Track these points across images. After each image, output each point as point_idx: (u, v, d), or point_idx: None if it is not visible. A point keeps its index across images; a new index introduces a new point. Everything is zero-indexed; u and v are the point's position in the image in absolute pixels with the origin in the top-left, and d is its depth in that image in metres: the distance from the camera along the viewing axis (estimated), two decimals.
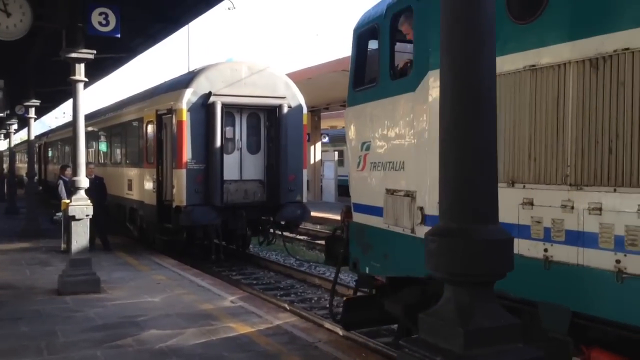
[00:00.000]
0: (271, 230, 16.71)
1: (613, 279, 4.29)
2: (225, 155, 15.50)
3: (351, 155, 8.16)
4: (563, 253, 4.71)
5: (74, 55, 10.66)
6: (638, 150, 4.14)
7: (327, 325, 9.18)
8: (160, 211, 16.28)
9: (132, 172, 18.99)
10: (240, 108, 16.11)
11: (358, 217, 7.94)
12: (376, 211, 7.33)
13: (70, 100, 11.28)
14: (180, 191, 15.26)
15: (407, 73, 6.67)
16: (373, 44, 7.71)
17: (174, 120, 15.53)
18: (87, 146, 22.71)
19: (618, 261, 4.27)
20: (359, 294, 8.80)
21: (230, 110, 15.90)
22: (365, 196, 7.70)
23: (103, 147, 23.59)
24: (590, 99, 4.48)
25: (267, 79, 16.29)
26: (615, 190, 4.31)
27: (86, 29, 10.50)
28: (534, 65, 4.95)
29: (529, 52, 5.00)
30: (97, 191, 14.94)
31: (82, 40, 10.65)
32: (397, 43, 7.21)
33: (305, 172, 16.81)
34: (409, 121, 6.58)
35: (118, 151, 21.46)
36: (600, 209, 4.42)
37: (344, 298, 8.54)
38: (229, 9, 29.36)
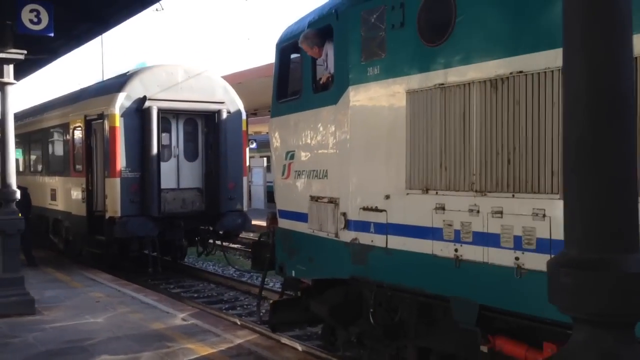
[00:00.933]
0: (210, 241, 16.24)
1: (513, 274, 4.87)
2: (161, 163, 14.94)
3: (276, 164, 8.51)
4: (471, 252, 5.26)
5: (2, 55, 10.06)
6: (532, 160, 4.74)
7: (285, 340, 9.04)
8: (91, 222, 15.52)
9: (56, 182, 18.05)
10: (177, 113, 15.62)
11: (283, 223, 8.29)
12: (301, 217, 7.71)
13: None
14: (114, 201, 14.57)
15: (329, 87, 7.10)
16: (295, 58, 8.10)
17: (105, 126, 14.83)
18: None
19: (517, 258, 4.85)
20: (284, 297, 9.15)
21: (166, 116, 15.36)
22: (290, 203, 8.07)
23: (20, 155, 22.33)
24: (491, 115, 5.06)
25: (205, 83, 15.85)
26: (513, 196, 4.89)
27: (16, 27, 9.78)
28: (442, 84, 5.49)
29: (439, 72, 5.54)
30: (21, 203, 14.45)
31: (10, 40, 10.03)
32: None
33: (245, 179, 16.43)
34: (331, 132, 7.01)
35: (39, 159, 20.32)
36: (501, 213, 5.00)
37: (271, 301, 8.85)
38: (157, 10, 28.34)
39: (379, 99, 6.26)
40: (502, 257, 4.99)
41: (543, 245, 4.66)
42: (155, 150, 14.62)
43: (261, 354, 7.94)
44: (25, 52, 10.20)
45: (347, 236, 6.70)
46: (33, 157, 21.02)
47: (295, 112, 7.82)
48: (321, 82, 7.38)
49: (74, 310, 10.40)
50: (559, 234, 4.56)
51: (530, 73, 4.72)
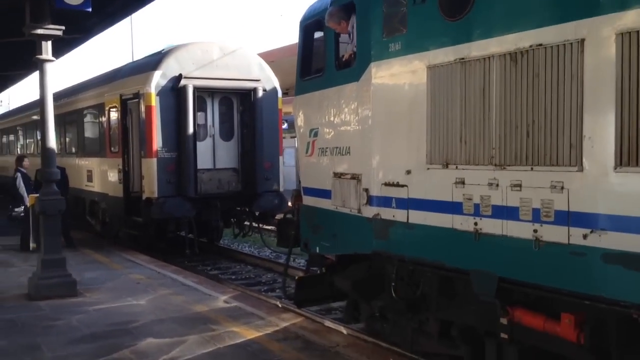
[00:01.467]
0: (246, 223, 16.07)
1: (531, 247, 4.91)
2: (197, 143, 14.66)
3: (300, 142, 8.62)
4: (490, 225, 5.31)
5: (40, 31, 9.77)
6: (550, 133, 4.75)
7: (328, 323, 8.66)
8: (128, 203, 15.37)
9: (93, 163, 17.86)
10: (213, 92, 15.22)
11: (308, 200, 8.42)
12: (325, 194, 7.82)
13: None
14: (150, 182, 14.30)
15: (351, 64, 7.15)
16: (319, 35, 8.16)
17: (141, 106, 14.54)
18: (37, 135, 21.03)
19: (535, 230, 4.88)
20: (310, 273, 9.31)
21: (202, 95, 14.97)
22: (314, 180, 8.18)
23: (56, 135, 22.67)
24: (511, 89, 5.06)
25: (241, 60, 15.39)
26: (532, 169, 4.91)
27: (53, 2, 9.53)
28: (463, 59, 5.50)
29: (459, 47, 5.55)
30: (60, 183, 14.35)
31: (48, 15, 9.75)
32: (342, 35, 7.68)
33: (281, 159, 16.15)
34: (353, 109, 7.07)
35: (75, 140, 20.05)
36: (520, 186, 5.03)
37: (296, 277, 9.02)
38: None
39: (400, 75, 6.30)
40: (520, 229, 5.02)
41: (561, 218, 4.69)
42: (191, 129, 14.36)
43: (309, 338, 7.72)
44: (63, 27, 10.00)
45: (369, 212, 6.79)
46: (68, 138, 20.95)
47: (319, 90, 7.89)
48: (344, 59, 7.43)
49: (115, 292, 10.27)
50: (577, 206, 4.59)
51: (550, 46, 4.71)
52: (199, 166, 14.66)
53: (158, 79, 14.42)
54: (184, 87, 14.36)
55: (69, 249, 14.19)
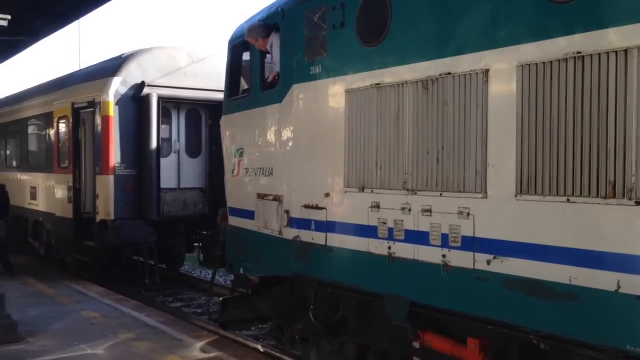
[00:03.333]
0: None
1: (440, 271, 4.97)
2: (160, 159, 13.06)
3: (226, 162, 8.53)
4: (402, 250, 5.35)
5: None
6: (457, 160, 4.83)
7: None
8: (78, 225, 13.64)
9: (37, 178, 15.91)
10: (179, 102, 13.58)
11: (233, 221, 8.32)
12: (249, 214, 7.74)
13: None
14: (106, 202, 12.64)
15: (275, 85, 7.14)
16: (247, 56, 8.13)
17: (97, 116, 12.89)
18: None
19: (444, 255, 4.95)
20: (235, 294, 9.17)
21: (166, 105, 13.35)
22: (240, 200, 8.09)
23: None
24: (422, 115, 5.15)
25: (211, 68, 13.46)
26: (441, 195, 4.99)
27: None
28: (378, 84, 5.57)
29: (375, 72, 5.62)
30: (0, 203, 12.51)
31: None
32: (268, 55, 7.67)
33: None
34: (276, 130, 7.05)
35: (17, 152, 18.01)
36: (430, 211, 5.09)
37: (221, 298, 8.87)
38: None
39: (320, 97, 6.32)
40: (430, 254, 5.08)
41: (467, 243, 4.76)
42: (154, 144, 12.77)
43: None
44: (8, 17, 9.02)
45: (289, 233, 6.75)
46: (9, 150, 18.83)
47: (245, 110, 7.85)
48: (268, 80, 7.42)
49: (65, 337, 8.41)
50: (481, 232, 4.68)
51: (457, 75, 4.82)
52: (162, 185, 13.08)
53: (117, 86, 12.82)
54: (147, 96, 12.81)
55: (7, 276, 12.75)
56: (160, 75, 13.20)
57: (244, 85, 8.40)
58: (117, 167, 12.75)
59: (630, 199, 3.71)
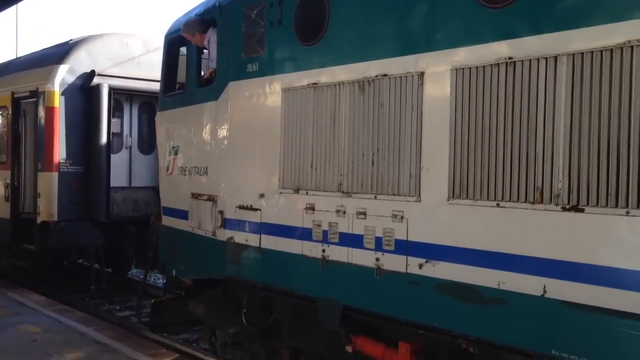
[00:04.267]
0: None
1: (373, 275, 4.91)
2: (111, 156, 12.11)
3: (161, 159, 8.27)
4: (337, 253, 5.27)
5: None
6: (392, 163, 4.79)
7: None
8: (16, 227, 12.50)
9: None
10: (131, 94, 12.50)
11: (167, 221, 8.06)
12: (183, 215, 7.51)
13: None
14: (48, 201, 11.53)
15: (211, 82, 6.95)
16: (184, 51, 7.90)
17: (40, 107, 11.79)
18: None
19: (377, 259, 4.90)
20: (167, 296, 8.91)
21: (118, 97, 12.31)
22: (174, 200, 7.85)
23: None
24: (358, 117, 5.08)
25: None
26: (376, 198, 4.93)
27: None
28: (315, 84, 5.47)
29: (312, 72, 5.52)
30: None
31: None
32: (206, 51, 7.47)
33: None
34: (212, 128, 6.86)
35: None
36: (365, 214, 5.03)
37: (152, 301, 8.59)
38: None
39: (257, 96, 6.18)
40: (364, 257, 5.02)
41: (401, 247, 4.73)
42: (104, 139, 11.75)
43: None
44: None
45: (223, 235, 6.57)
46: None
47: (180, 107, 7.62)
48: (205, 76, 7.22)
49: (1, 356, 7.54)
50: (415, 235, 4.65)
51: (394, 76, 4.78)
52: (112, 184, 12.03)
53: (64, 74, 11.70)
54: (97, 87, 11.74)
55: None
56: (112, 64, 12.16)
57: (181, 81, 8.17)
58: (62, 163, 11.67)
59: (557, 204, 3.74)
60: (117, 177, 12.31)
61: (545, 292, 3.79)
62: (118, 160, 12.49)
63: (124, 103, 12.68)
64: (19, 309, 9.90)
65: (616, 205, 3.50)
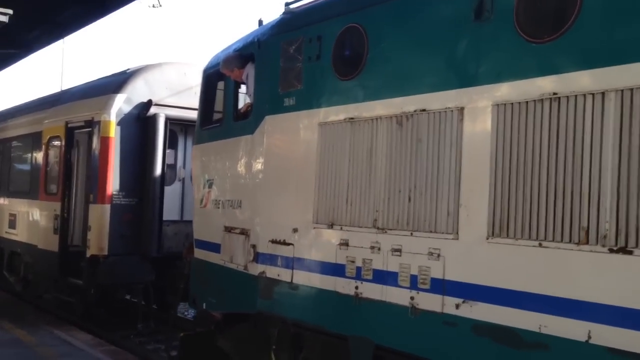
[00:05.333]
0: None
1: (407, 314, 4.77)
2: (164, 188, 11.61)
3: (196, 192, 8.30)
4: (370, 290, 5.15)
5: None
6: (429, 199, 4.69)
7: None
8: (64, 260, 11.97)
9: (19, 204, 14.25)
10: (186, 125, 11.97)
11: (199, 254, 8.04)
12: (215, 248, 7.49)
13: None
14: (100, 234, 11.04)
15: (248, 116, 7.00)
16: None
17: (95, 137, 11.41)
18: None
19: (412, 298, 4.76)
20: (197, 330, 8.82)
21: (173, 128, 11.87)
22: (206, 233, 7.84)
23: None
24: (395, 152, 5.02)
25: None
26: (412, 234, 4.82)
27: None
28: (352, 118, 5.45)
29: (349, 106, 5.50)
30: None
31: None
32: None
33: None
34: (247, 162, 6.87)
35: None
36: (400, 251, 4.92)
37: (181, 334, 8.51)
38: (153, 6, 23.00)
39: (293, 130, 6.18)
40: (398, 295, 4.89)
41: (437, 285, 4.59)
42: (159, 170, 11.26)
43: None
44: (10, 11, 8.02)
45: (255, 269, 6.51)
46: None
47: (216, 140, 7.67)
48: (241, 110, 7.28)
49: None
50: (451, 274, 4.51)
51: (432, 112, 4.72)
52: (164, 217, 11.47)
53: (121, 104, 11.31)
54: (154, 117, 11.30)
55: None
56: (169, 93, 11.73)
57: (218, 115, 8.25)
58: (115, 195, 11.19)
59: (603, 245, 3.59)
60: (169, 210, 11.83)
61: (589, 337, 3.61)
62: (171, 193, 12.07)
63: (179, 134, 12.34)
64: (67, 349, 9.37)
65: None
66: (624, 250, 3.49)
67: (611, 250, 3.55)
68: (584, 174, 3.71)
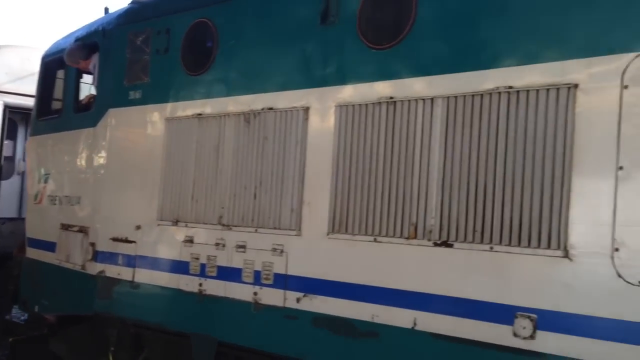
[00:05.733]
0: None
1: (251, 310, 4.82)
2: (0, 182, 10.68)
3: (30, 188, 7.75)
4: (214, 287, 5.13)
5: None
6: (274, 197, 4.78)
7: None
8: None
9: None
10: (27, 114, 10.66)
11: (32, 253, 7.51)
12: (50, 246, 7.04)
13: None
14: None
15: (90, 108, 6.66)
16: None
17: None
18: None
19: (255, 293, 4.82)
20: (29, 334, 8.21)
21: (12, 117, 10.87)
22: (41, 231, 7.35)
23: None
24: (242, 149, 5.05)
25: None
26: (256, 231, 4.89)
27: None
28: (200, 114, 5.40)
29: (197, 102, 5.45)
30: None
31: None
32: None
33: None
34: (88, 156, 6.54)
35: None
36: (245, 247, 4.96)
37: (10, 339, 7.87)
38: None
39: (138, 124, 5.99)
40: (242, 291, 4.93)
41: (279, 281, 4.69)
42: None
43: None
44: None
45: (94, 268, 6.21)
46: None
47: (54, 132, 7.22)
48: (83, 102, 6.92)
49: None
50: (294, 270, 4.63)
51: (279, 110, 4.82)
52: (0, 214, 10.72)
53: None
54: None
55: None
56: (9, 79, 10.77)
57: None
58: None
59: (429, 240, 3.89)
60: (6, 206, 10.89)
61: (415, 324, 3.89)
62: (8, 188, 11.04)
63: (19, 123, 11.31)
64: None
65: (481, 242, 3.69)
66: (446, 244, 3.82)
67: (435, 244, 3.87)
68: (414, 173, 4.00)
